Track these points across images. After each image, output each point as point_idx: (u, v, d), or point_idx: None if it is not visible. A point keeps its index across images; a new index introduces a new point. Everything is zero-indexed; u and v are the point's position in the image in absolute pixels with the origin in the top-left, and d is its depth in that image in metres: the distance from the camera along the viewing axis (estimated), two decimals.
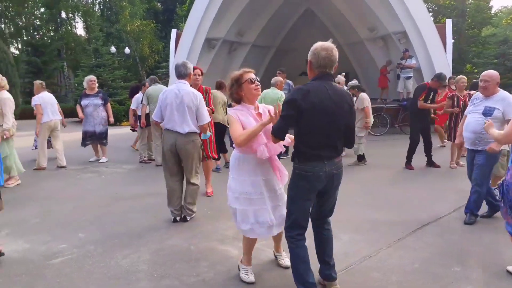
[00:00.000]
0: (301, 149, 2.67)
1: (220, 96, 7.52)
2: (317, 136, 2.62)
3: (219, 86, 7.97)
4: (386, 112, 12.15)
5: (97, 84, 8.44)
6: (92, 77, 8.39)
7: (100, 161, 8.22)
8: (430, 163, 7.42)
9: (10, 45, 31.62)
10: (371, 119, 7.67)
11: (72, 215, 4.86)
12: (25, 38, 29.66)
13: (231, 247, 3.82)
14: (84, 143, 8.24)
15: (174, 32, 15.60)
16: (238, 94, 2.99)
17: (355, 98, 8.01)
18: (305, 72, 10.52)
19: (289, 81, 8.70)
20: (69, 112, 15.16)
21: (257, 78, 3.02)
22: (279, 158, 3.30)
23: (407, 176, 6.90)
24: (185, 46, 13.56)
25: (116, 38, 31.07)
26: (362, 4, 13.58)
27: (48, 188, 6.24)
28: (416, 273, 3.24)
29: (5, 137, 5.87)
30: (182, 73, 4.56)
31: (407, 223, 4.42)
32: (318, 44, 2.65)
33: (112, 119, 8.41)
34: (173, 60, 15.01)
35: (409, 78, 12.09)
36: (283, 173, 3.14)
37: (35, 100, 7.35)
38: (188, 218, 4.62)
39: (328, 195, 2.84)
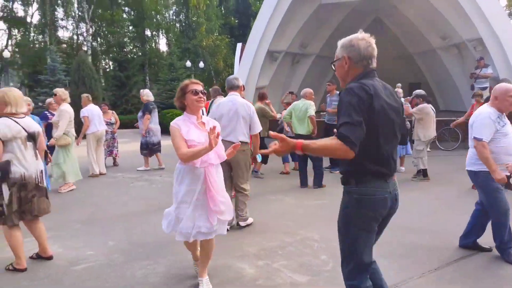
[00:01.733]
0: (362, 165, 2.05)
1: (259, 107, 7.50)
2: (384, 146, 2.06)
3: (262, 97, 7.96)
4: (458, 126, 11.12)
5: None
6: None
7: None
8: (508, 185, 6.59)
9: (102, 61, 34.87)
10: (428, 132, 7.22)
11: (110, 223, 5.08)
12: (111, 55, 32.23)
13: (248, 265, 3.69)
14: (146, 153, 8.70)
15: (239, 45, 15.95)
16: (181, 102, 3.02)
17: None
18: None
19: (338, 92, 8.33)
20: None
21: (203, 90, 3.01)
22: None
23: (469, 198, 6.18)
24: (248, 59, 13.75)
25: (192, 53, 32.60)
26: (433, 11, 12.72)
27: (99, 195, 6.62)
28: None
29: (51, 144, 6.41)
30: (234, 85, 4.84)
31: (450, 251, 3.94)
32: (350, 37, 2.20)
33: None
34: (236, 73, 15.34)
35: (484, 89, 10.99)
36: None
37: (83, 112, 7.91)
38: (242, 224, 4.75)
39: (385, 222, 2.28)
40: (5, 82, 31.71)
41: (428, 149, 8.90)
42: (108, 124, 9.13)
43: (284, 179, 7.65)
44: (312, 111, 6.85)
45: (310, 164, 6.95)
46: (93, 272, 3.60)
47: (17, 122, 3.61)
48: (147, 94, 8.65)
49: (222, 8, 39.25)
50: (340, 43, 2.27)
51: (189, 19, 35.45)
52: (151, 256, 3.94)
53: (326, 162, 8.64)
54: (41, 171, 3.81)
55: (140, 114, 8.76)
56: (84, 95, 8.46)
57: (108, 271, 3.61)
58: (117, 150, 9.56)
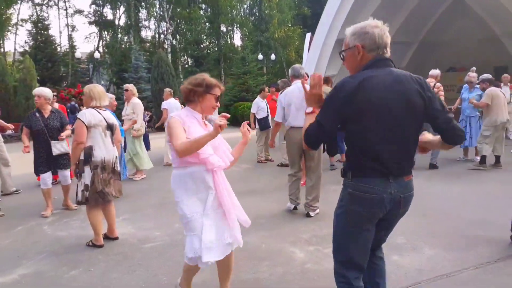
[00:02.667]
0: (359, 159, 1.96)
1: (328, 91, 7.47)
2: (379, 144, 1.91)
3: (326, 81, 7.88)
4: None
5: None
6: None
7: None
8: None
9: (181, 58, 36.72)
10: (497, 117, 6.85)
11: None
12: (189, 51, 33.75)
13: (299, 249, 3.81)
14: None
15: (308, 35, 15.84)
16: (196, 96, 2.60)
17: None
18: (453, 67, 9.76)
19: None
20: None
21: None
22: None
23: None
24: (316, 48, 13.60)
25: (265, 46, 32.94)
26: None
27: (169, 181, 7.11)
28: None
29: (133, 136, 6.99)
30: (300, 74, 5.02)
31: None
32: (362, 24, 2.03)
33: None
34: (304, 63, 15.24)
35: None
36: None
37: (164, 105, 8.48)
38: (312, 213, 4.88)
39: (388, 223, 2.12)
40: (97, 80, 34.86)
41: (508, 136, 8.29)
42: None
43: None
44: None
45: None
46: (159, 250, 3.97)
47: (99, 113, 4.11)
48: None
49: None
50: (350, 30, 2.06)
51: (262, 12, 35.83)
52: None
53: None
54: (116, 157, 4.28)
55: None
56: (167, 89, 9.07)
57: (171, 249, 3.96)
58: None
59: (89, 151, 3.98)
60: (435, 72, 7.28)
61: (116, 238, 4.26)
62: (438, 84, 7.09)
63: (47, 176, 5.28)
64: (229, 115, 2.50)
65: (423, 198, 5.42)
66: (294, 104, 4.77)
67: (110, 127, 4.19)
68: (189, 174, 2.56)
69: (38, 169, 5.30)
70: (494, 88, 6.90)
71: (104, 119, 4.13)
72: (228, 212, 2.65)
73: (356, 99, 1.87)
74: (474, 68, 7.99)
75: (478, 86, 7.60)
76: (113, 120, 4.28)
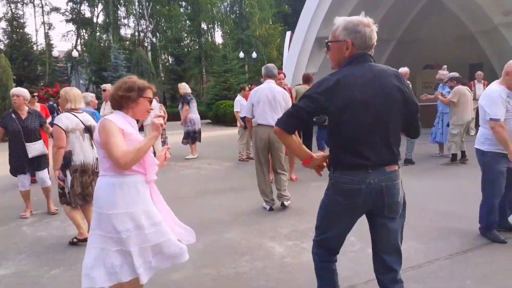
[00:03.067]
0: (337, 154, 2.09)
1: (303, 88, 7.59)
2: (356, 136, 2.01)
3: (306, 80, 7.99)
4: None
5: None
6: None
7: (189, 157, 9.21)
8: None
9: (161, 56, 36.40)
10: (463, 116, 7.05)
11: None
12: (169, 49, 33.50)
13: (278, 244, 3.91)
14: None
15: (288, 33, 15.99)
16: (129, 102, 2.36)
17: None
18: (430, 64, 9.93)
19: None
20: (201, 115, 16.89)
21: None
22: None
23: None
24: (296, 47, 13.77)
25: (246, 44, 32.97)
26: None
27: (166, 180, 7.11)
28: None
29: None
30: (272, 74, 5.08)
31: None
32: (355, 21, 2.05)
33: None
34: (285, 61, 15.40)
35: None
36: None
37: None
38: (286, 203, 5.04)
39: (382, 221, 2.13)
40: (75, 79, 34.29)
41: (472, 134, 8.58)
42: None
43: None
44: None
45: None
46: None
47: (76, 116, 4.11)
48: (184, 87, 9.12)
49: None
50: (342, 24, 2.07)
51: (243, 10, 35.83)
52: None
53: None
54: (97, 159, 4.27)
55: (180, 106, 9.26)
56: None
57: None
58: (167, 141, 10.05)
59: (68, 156, 3.99)
60: (404, 69, 7.46)
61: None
62: (408, 82, 7.25)
63: (25, 178, 5.19)
64: (164, 115, 2.43)
65: None
66: (263, 102, 4.88)
67: (88, 129, 4.19)
68: (132, 183, 2.32)
69: (15, 171, 5.21)
70: (461, 87, 7.12)
71: (81, 122, 4.13)
72: (171, 229, 2.49)
73: (335, 95, 1.97)
74: (445, 66, 8.24)
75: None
76: (91, 121, 4.27)
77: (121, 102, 2.37)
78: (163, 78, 30.87)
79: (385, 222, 2.13)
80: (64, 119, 4.01)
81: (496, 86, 3.51)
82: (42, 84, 25.39)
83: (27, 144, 5.14)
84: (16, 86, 19.57)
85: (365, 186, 2.01)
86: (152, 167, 2.43)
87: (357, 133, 2.00)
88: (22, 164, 5.16)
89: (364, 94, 1.97)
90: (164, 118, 9.21)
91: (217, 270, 3.42)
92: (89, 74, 32.98)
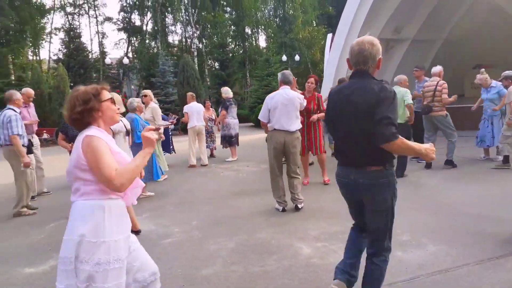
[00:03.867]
0: (335, 151, 2.66)
1: None
2: (339, 139, 2.58)
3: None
4: None
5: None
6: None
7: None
8: None
9: (207, 61, 37.31)
10: None
11: (197, 206, 5.77)
12: (215, 55, 34.26)
13: (305, 245, 4.00)
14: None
15: (329, 36, 15.91)
16: (89, 115, 2.06)
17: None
18: (480, 64, 9.68)
19: (427, 78, 7.94)
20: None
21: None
22: None
23: None
24: (337, 49, 13.70)
25: (289, 47, 33.05)
26: None
27: (193, 182, 7.44)
28: None
29: (160, 138, 7.33)
30: (288, 80, 5.19)
31: None
32: (356, 39, 2.46)
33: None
34: (325, 64, 15.34)
35: None
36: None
37: (184, 109, 8.83)
38: (299, 206, 5.19)
39: (367, 210, 2.53)
40: (126, 85, 35.98)
41: None
42: (210, 120, 10.03)
43: None
44: (409, 99, 6.62)
45: None
46: (177, 245, 4.25)
47: (120, 120, 4.45)
48: (225, 92, 9.36)
49: None
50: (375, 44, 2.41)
51: (286, 13, 35.95)
52: (225, 234, 4.47)
53: None
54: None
55: (219, 109, 9.57)
56: (189, 93, 9.40)
57: (188, 244, 4.23)
58: (214, 144, 10.39)
59: None
60: (437, 69, 7.24)
61: (139, 232, 4.56)
62: (442, 82, 7.07)
63: None
64: (155, 128, 2.23)
65: (437, 197, 5.51)
66: (279, 108, 4.99)
67: (128, 133, 4.53)
68: (119, 207, 2.12)
69: None
70: None
71: (124, 125, 4.47)
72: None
73: (327, 105, 2.64)
74: (482, 69, 7.89)
75: (494, 84, 7.54)
76: (129, 125, 4.62)
77: (84, 119, 2.05)
78: (208, 83, 31.69)
79: (367, 212, 2.54)
80: None
81: None
82: None
83: None
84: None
85: (349, 181, 2.50)
86: (136, 190, 2.21)
87: (339, 138, 2.57)
88: None
89: (335, 109, 2.51)
90: (215, 121, 9.60)
91: (245, 267, 3.57)
92: (139, 80, 34.47)
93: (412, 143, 2.39)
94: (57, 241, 4.47)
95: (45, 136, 16.18)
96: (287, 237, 4.26)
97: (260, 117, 5.27)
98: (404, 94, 6.58)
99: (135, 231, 4.58)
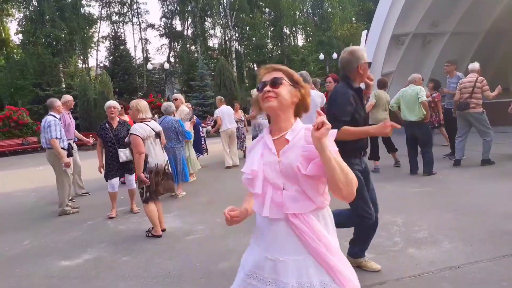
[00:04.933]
0: None
1: (384, 96, 7.51)
2: None
3: (382, 85, 7.87)
4: None
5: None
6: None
7: None
8: None
9: (245, 63, 37.80)
10: None
11: (223, 205, 5.91)
12: (254, 56, 34.68)
13: None
14: None
15: (364, 33, 15.69)
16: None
17: None
18: None
19: (459, 73, 7.68)
20: None
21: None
22: None
23: None
24: (372, 45, 13.50)
25: (327, 45, 32.81)
26: None
27: (223, 182, 7.70)
28: None
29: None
30: (307, 81, 5.27)
31: None
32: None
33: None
34: None
35: None
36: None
37: (216, 113, 9.11)
38: None
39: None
40: (169, 89, 37.17)
41: None
42: (239, 121, 10.28)
43: (393, 168, 7.57)
44: (423, 96, 6.59)
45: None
46: (198, 241, 4.49)
47: (147, 125, 4.73)
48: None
49: None
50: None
51: (324, 11, 35.69)
52: (245, 232, 4.61)
53: (447, 150, 8.18)
54: (167, 161, 4.88)
55: (250, 111, 9.76)
56: (218, 97, 9.70)
57: (209, 241, 4.46)
58: (245, 145, 10.60)
59: (144, 159, 4.58)
60: (476, 65, 7.00)
61: (163, 230, 4.85)
62: (481, 78, 6.81)
63: (115, 182, 5.89)
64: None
65: (463, 194, 5.40)
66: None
67: (158, 135, 4.80)
68: None
69: (108, 175, 5.92)
70: None
71: (152, 129, 4.73)
72: None
73: None
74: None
75: None
76: (159, 128, 4.88)
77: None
78: (247, 84, 32.10)
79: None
80: (139, 129, 4.61)
81: None
82: (139, 95, 28.04)
83: (119, 150, 5.83)
84: (117, 98, 21.89)
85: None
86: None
87: None
88: (114, 168, 5.86)
89: None
90: (244, 123, 9.81)
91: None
92: (180, 84, 35.53)
93: (358, 128, 2.86)
94: (92, 237, 4.88)
95: (91, 140, 17.11)
96: None
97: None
98: (418, 92, 6.52)
99: (161, 230, 4.86)
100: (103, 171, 5.94)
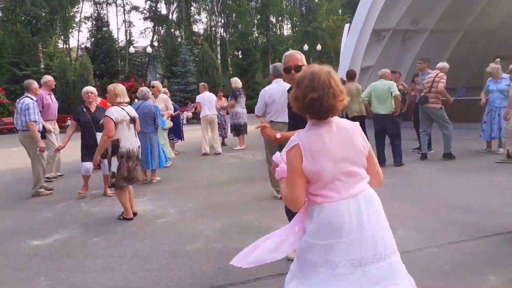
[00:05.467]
0: None
1: (355, 87, 7.77)
2: None
3: (350, 77, 8.11)
4: None
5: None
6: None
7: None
8: None
9: (229, 50, 37.61)
10: None
11: (196, 191, 6.15)
12: (239, 44, 34.48)
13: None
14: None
15: (347, 26, 15.88)
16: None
17: None
18: (501, 55, 9.58)
19: (430, 71, 7.95)
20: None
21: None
22: None
23: None
24: (352, 39, 13.67)
25: (312, 36, 32.90)
26: None
27: (197, 169, 7.83)
28: (436, 275, 3.06)
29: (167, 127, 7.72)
30: (279, 74, 5.31)
31: (489, 229, 3.92)
32: None
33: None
34: (341, 53, 15.35)
35: None
36: None
37: (197, 98, 9.20)
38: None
39: None
40: (151, 74, 36.78)
41: None
42: (221, 108, 10.39)
43: None
44: (396, 90, 6.90)
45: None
46: (168, 224, 4.64)
47: (123, 109, 4.80)
48: (235, 82, 9.66)
49: None
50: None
51: (311, 2, 35.70)
52: (214, 216, 4.81)
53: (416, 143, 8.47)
54: (139, 146, 4.96)
55: (228, 99, 9.91)
56: (201, 84, 9.79)
57: (179, 224, 4.61)
58: (226, 132, 10.74)
59: (116, 143, 4.64)
60: (442, 64, 7.41)
61: (135, 214, 4.93)
62: (442, 74, 7.16)
63: (89, 166, 5.95)
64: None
65: (427, 187, 5.68)
66: (276, 102, 5.12)
67: (133, 120, 4.86)
68: None
69: (83, 157, 6.02)
70: None
71: (128, 114, 4.80)
72: None
73: None
74: (498, 59, 7.87)
75: (505, 76, 7.51)
76: (134, 113, 4.95)
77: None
78: (231, 72, 32.02)
79: None
80: (115, 112, 4.67)
81: None
82: (120, 78, 27.71)
83: (97, 133, 5.83)
84: (97, 81, 21.57)
85: None
86: None
87: None
88: (90, 151, 5.84)
89: None
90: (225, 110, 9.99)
91: (224, 244, 3.91)
92: (163, 69, 35.19)
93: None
94: (65, 219, 4.96)
95: (69, 123, 16.93)
96: (270, 219, 4.56)
97: (256, 111, 5.46)
98: (390, 86, 6.81)
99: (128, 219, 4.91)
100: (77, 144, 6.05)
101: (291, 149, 1.79)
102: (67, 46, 34.32)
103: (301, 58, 3.36)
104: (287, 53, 3.53)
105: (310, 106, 1.75)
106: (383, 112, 6.96)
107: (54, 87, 7.34)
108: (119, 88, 4.92)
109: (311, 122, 1.85)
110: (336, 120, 1.85)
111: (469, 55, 16.04)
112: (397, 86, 7.22)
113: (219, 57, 31.97)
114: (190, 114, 18.80)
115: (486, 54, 16.39)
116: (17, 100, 6.21)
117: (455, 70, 7.29)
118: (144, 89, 6.89)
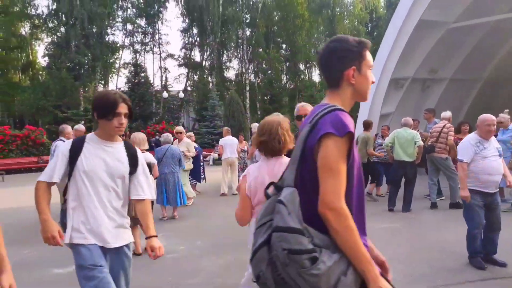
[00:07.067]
0: None
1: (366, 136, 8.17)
2: None
3: (366, 126, 8.49)
4: None
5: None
6: None
7: None
8: None
9: (259, 96, 38.76)
10: None
11: (208, 229, 6.55)
12: (268, 90, 35.57)
13: None
14: None
15: None
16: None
17: None
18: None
19: (437, 120, 8.23)
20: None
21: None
22: None
23: None
24: (372, 88, 14.10)
25: None
26: None
27: (215, 208, 8.25)
28: None
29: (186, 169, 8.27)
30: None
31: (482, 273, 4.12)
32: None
33: None
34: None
35: None
36: None
37: (220, 141, 9.83)
38: None
39: None
40: (184, 117, 38.21)
41: None
42: (242, 151, 10.91)
43: (373, 203, 8.04)
44: (420, 141, 7.29)
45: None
46: (175, 260, 5.06)
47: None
48: (254, 127, 10.15)
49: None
50: None
51: None
52: (219, 253, 5.17)
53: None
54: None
55: (249, 143, 10.40)
56: (225, 128, 10.48)
57: (185, 260, 5.01)
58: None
59: None
60: (447, 114, 7.65)
61: (139, 254, 5.19)
62: (449, 125, 7.41)
63: None
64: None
65: (427, 233, 5.88)
66: None
67: (148, 166, 5.41)
68: None
69: None
70: None
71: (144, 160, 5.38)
72: None
73: None
74: (507, 110, 8.05)
75: (511, 127, 7.68)
76: (151, 159, 5.53)
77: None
78: (259, 116, 32.89)
79: None
80: None
81: (471, 134, 4.35)
82: (153, 121, 29.04)
83: None
84: (131, 124, 22.54)
85: None
86: None
87: None
88: None
89: None
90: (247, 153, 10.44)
91: (224, 279, 4.27)
92: (194, 112, 36.52)
93: None
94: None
95: None
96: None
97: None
98: (414, 136, 7.13)
99: (136, 254, 5.28)
100: None
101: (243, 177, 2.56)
102: None
103: (310, 109, 3.95)
104: (300, 104, 4.11)
105: (260, 146, 2.44)
106: (406, 159, 7.23)
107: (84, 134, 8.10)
108: (138, 136, 5.56)
109: (262, 157, 2.55)
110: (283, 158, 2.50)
111: (490, 104, 16.06)
112: None
113: (248, 102, 33.07)
114: (216, 155, 19.46)
115: (507, 103, 16.39)
116: (52, 143, 6.95)
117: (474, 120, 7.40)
118: (164, 135, 7.53)
